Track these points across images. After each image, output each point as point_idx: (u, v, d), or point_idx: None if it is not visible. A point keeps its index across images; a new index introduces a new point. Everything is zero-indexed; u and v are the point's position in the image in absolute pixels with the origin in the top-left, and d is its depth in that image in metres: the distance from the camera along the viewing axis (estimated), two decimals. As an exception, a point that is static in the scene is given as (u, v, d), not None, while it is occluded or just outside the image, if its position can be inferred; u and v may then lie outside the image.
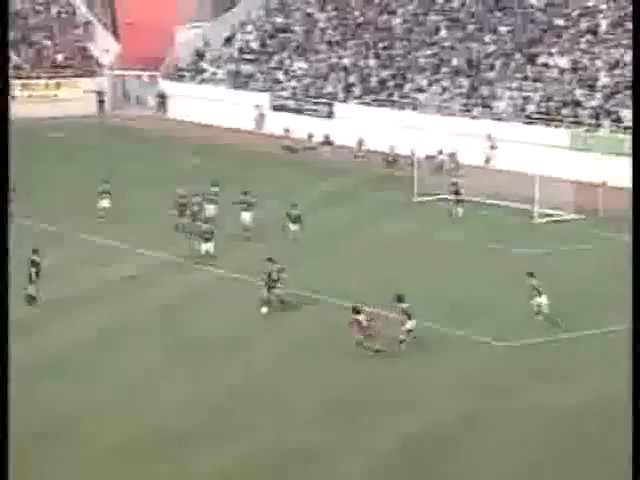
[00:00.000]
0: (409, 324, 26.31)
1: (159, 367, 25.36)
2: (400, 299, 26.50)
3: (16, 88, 65.44)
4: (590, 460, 20.64)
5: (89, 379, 24.49)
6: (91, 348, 26.51)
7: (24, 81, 66.51)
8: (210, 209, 38.37)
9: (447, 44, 60.61)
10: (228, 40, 70.44)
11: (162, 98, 68.76)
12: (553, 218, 40.79)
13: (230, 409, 22.98)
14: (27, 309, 28.79)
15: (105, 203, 39.63)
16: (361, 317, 26.67)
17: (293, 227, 36.57)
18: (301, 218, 36.63)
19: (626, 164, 44.98)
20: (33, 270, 29.52)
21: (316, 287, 31.09)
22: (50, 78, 67.58)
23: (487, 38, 59.34)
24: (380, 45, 63.15)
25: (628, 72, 51.85)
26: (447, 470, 20.20)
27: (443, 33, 61.83)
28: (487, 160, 51.26)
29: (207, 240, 34.01)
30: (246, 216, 37.30)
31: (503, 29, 59.65)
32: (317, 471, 20.06)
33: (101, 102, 68.88)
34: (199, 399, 23.45)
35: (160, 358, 25.97)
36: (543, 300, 27.96)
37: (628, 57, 52.63)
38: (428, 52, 60.56)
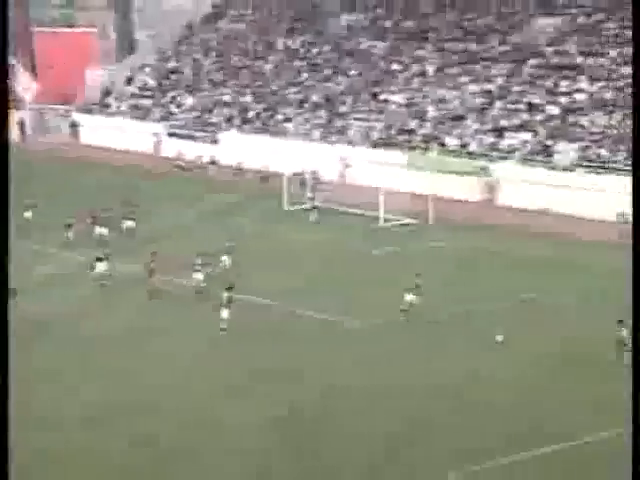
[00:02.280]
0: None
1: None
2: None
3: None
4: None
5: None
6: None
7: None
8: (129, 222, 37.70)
9: (309, 84, 60.99)
10: (130, 80, 69.53)
11: (74, 127, 67.45)
12: (394, 222, 41.56)
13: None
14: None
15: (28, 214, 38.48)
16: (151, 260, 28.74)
17: None
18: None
19: (450, 180, 46.81)
20: None
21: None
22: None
23: (340, 79, 59.99)
24: (255, 84, 63.21)
25: (451, 106, 53.28)
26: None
27: (305, 75, 62.17)
28: (342, 176, 51.70)
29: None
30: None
31: (353, 72, 60.44)
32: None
33: (23, 131, 67.20)
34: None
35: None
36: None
37: (449, 95, 54.04)
38: (293, 90, 60.88)
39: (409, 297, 27.62)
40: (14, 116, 66.12)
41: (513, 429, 20.17)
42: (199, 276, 29.97)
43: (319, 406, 21.57)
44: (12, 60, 70.67)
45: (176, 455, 19.08)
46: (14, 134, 65.24)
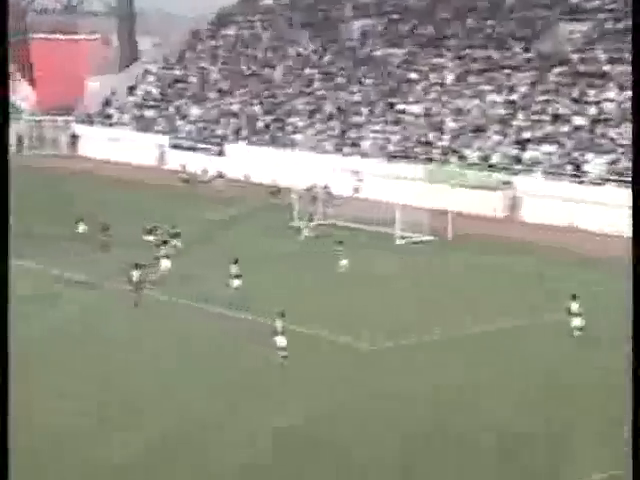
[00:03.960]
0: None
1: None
2: None
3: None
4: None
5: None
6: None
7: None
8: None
9: (320, 93, 61.18)
10: (132, 89, 69.80)
11: (74, 139, 67.69)
12: (410, 240, 41.39)
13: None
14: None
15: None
16: (134, 273, 29.61)
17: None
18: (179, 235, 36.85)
19: (470, 195, 46.65)
20: None
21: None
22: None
23: (354, 88, 60.10)
24: (264, 94, 63.41)
25: (470, 118, 53.23)
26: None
27: (317, 84, 62.37)
28: (355, 191, 51.67)
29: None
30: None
31: (368, 81, 60.51)
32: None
33: (19, 143, 67.47)
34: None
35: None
36: None
37: (469, 105, 54.02)
38: (304, 100, 61.05)
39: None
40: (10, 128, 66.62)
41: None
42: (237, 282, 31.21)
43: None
44: (11, 69, 71.09)
45: None
46: (11, 147, 65.68)
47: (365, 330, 28.32)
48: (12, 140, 66.06)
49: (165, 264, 33.06)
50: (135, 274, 30.52)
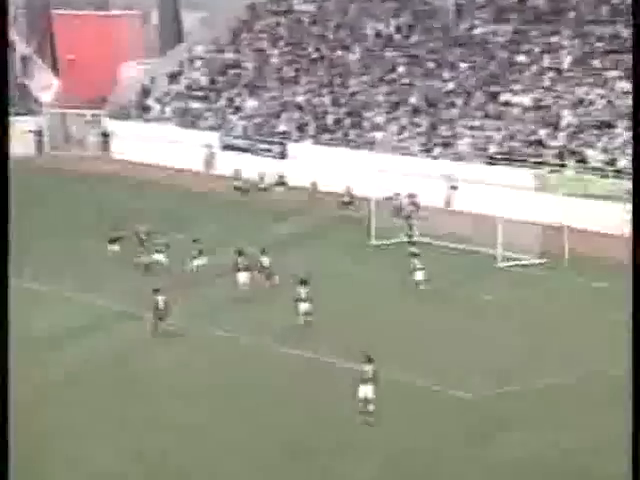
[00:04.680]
0: None
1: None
2: None
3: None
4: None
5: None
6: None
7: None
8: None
9: (405, 81, 61.04)
10: (175, 76, 70.62)
11: (105, 137, 68.61)
12: (517, 262, 41.13)
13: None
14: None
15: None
16: (160, 298, 31.13)
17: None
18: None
19: (592, 206, 46.14)
20: None
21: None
22: (-15, 117, 66.98)
23: (447, 75, 59.92)
24: (335, 82, 63.55)
25: (593, 110, 52.75)
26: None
27: (401, 70, 62.24)
28: (447, 202, 51.58)
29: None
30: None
31: (463, 65, 60.31)
32: None
33: (39, 142, 68.47)
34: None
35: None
36: None
37: (592, 95, 53.55)
38: (385, 89, 60.96)
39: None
40: (28, 124, 67.87)
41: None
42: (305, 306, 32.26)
43: None
44: (26, 50, 72.63)
45: None
46: (28, 146, 66.93)
47: (466, 374, 28.33)
48: (30, 138, 67.44)
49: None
50: (160, 300, 31.58)
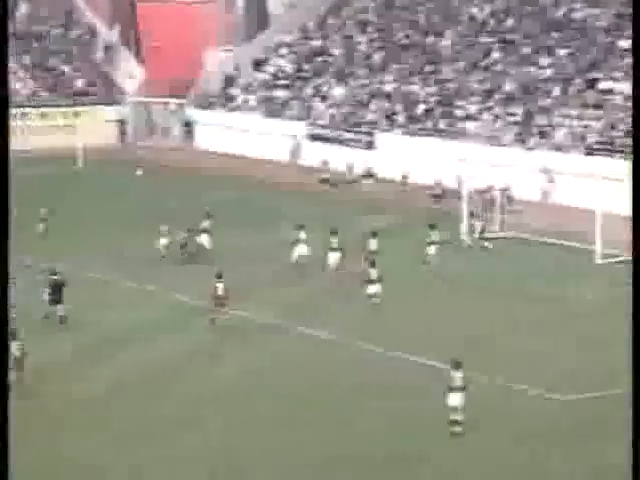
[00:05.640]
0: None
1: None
2: None
3: (34, 117, 66.26)
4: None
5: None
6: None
7: (42, 110, 67.09)
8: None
9: (499, 68, 60.68)
10: (260, 64, 70.77)
11: (189, 127, 69.08)
12: (618, 259, 40.41)
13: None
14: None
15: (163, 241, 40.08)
16: (220, 285, 31.20)
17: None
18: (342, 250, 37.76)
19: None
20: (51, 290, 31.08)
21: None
22: (68, 106, 68.02)
23: (543, 61, 59.35)
24: (426, 69, 63.30)
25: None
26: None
27: (495, 56, 61.86)
28: (544, 195, 51.16)
29: None
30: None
31: (561, 51, 59.54)
32: None
33: (123, 132, 69.22)
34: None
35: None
36: None
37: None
38: (479, 76, 60.67)
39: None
40: (111, 114, 68.63)
41: None
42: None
43: None
44: (111, 38, 73.38)
45: None
46: (111, 136, 67.72)
47: (558, 378, 27.95)
48: (113, 129, 68.26)
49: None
50: (220, 287, 31.69)
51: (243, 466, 23.22)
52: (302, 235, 38.46)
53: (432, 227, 39.94)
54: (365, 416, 25.81)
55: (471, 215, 43.88)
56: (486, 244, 42.37)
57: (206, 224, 40.38)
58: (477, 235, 42.88)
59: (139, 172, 58.02)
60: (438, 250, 39.71)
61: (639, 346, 14.02)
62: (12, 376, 25.55)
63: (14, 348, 25.93)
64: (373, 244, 37.95)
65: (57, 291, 31.42)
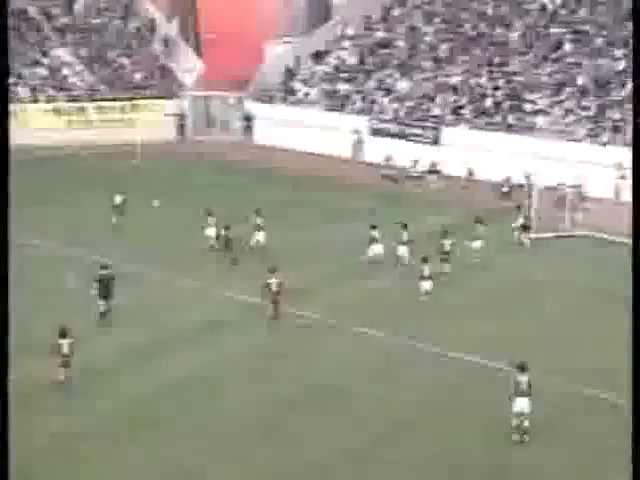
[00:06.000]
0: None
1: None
2: None
3: (91, 111, 66.12)
4: None
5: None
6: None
7: (99, 103, 66.90)
8: None
9: (572, 60, 60.20)
10: (322, 56, 70.34)
11: (248, 122, 68.67)
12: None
13: None
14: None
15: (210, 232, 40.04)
16: (274, 280, 30.98)
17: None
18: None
19: None
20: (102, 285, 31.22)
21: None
22: (127, 100, 67.79)
23: (618, 53, 58.69)
24: (494, 61, 62.80)
25: None
26: None
27: (567, 48, 61.37)
28: (617, 193, 50.50)
29: None
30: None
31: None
32: None
33: (182, 126, 69.00)
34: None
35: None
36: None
37: None
38: (549, 69, 60.22)
39: None
40: (170, 107, 68.30)
41: None
42: None
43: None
44: (169, 31, 73.20)
45: None
46: (170, 130, 67.39)
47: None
48: (171, 123, 67.95)
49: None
50: (274, 282, 31.48)
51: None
52: (376, 234, 38.51)
53: (478, 221, 40.48)
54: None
55: (517, 209, 43.56)
56: (524, 240, 42.14)
57: (259, 221, 40.01)
58: (516, 230, 42.52)
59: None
60: (483, 245, 39.86)
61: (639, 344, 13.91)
62: (60, 374, 25.99)
63: (65, 346, 26.05)
64: (446, 243, 37.92)
65: (107, 286, 31.24)
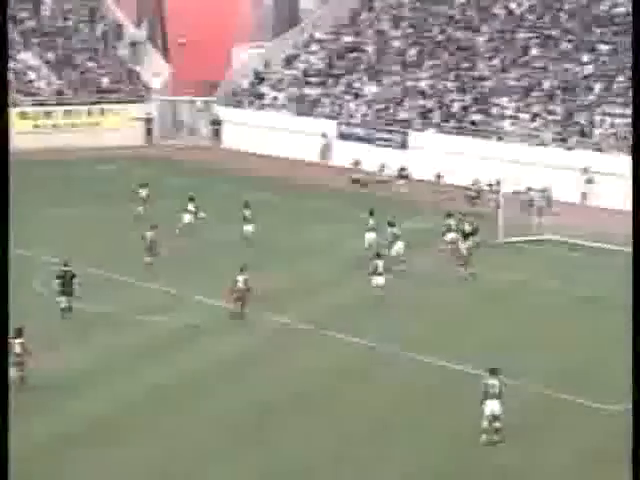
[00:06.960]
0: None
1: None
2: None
3: (57, 115, 66.30)
4: None
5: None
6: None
7: (66, 107, 67.04)
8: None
9: (538, 65, 60.47)
10: (290, 61, 70.63)
11: (216, 126, 68.98)
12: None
13: None
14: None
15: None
16: (241, 278, 31.92)
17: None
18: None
19: None
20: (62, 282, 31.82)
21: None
22: (94, 104, 67.95)
23: (585, 58, 59.12)
24: (462, 66, 63.09)
25: None
26: None
27: (534, 52, 61.67)
28: (584, 197, 50.87)
29: None
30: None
31: (603, 48, 59.11)
32: None
33: (149, 130, 69.10)
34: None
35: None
36: None
37: None
38: (516, 74, 60.48)
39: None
40: (137, 111, 68.56)
41: None
42: None
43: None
44: (136, 35, 73.37)
45: None
46: (137, 134, 67.61)
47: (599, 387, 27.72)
48: (139, 127, 68.15)
49: None
50: (241, 279, 32.23)
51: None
52: (398, 231, 39.29)
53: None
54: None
55: (462, 215, 43.05)
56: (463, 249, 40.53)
57: (247, 213, 42.14)
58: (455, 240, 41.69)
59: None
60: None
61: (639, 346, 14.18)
62: (12, 373, 25.06)
63: (17, 346, 25.90)
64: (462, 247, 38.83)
65: (67, 282, 31.92)
